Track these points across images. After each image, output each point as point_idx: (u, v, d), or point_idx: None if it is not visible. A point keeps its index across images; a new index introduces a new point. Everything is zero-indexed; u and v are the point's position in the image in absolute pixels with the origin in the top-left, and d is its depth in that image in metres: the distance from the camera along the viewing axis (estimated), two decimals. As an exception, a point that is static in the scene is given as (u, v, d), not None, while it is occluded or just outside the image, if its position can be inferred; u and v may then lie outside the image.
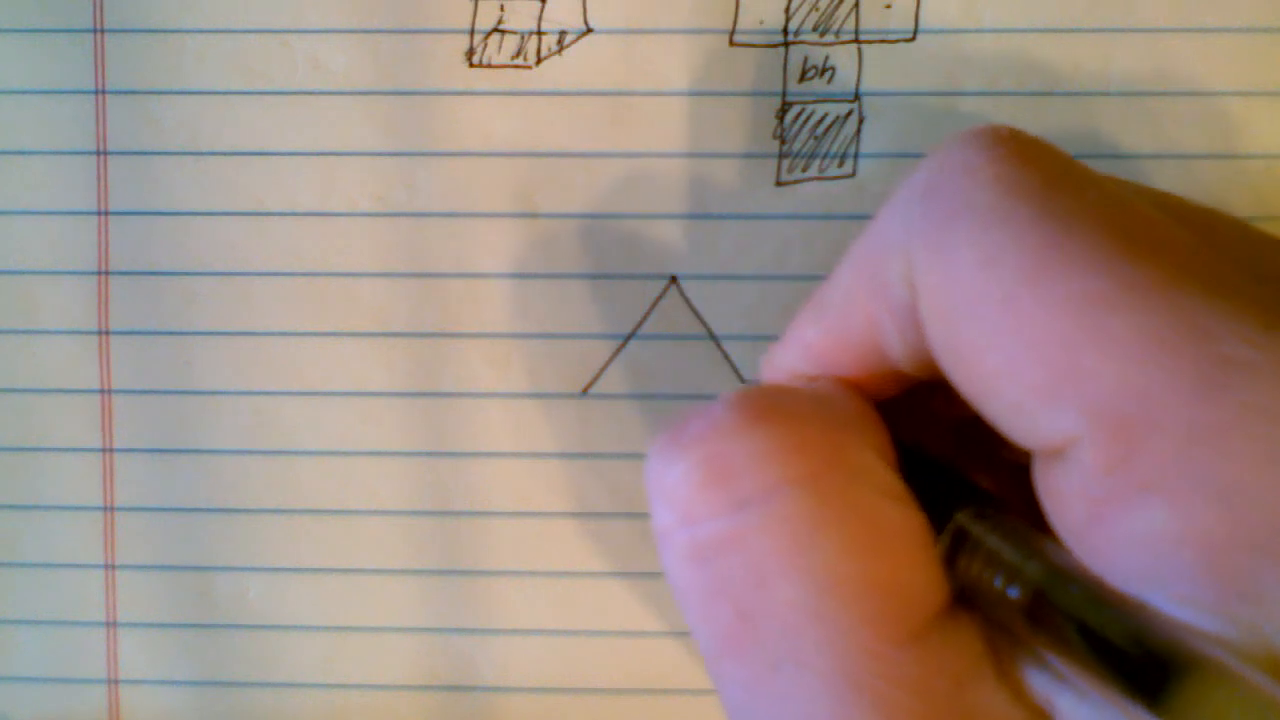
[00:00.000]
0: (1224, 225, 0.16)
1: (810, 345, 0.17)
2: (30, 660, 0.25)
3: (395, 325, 0.25)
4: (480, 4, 0.24)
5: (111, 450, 0.25)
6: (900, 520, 0.15)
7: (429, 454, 0.25)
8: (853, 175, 0.24)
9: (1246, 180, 0.24)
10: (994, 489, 0.17)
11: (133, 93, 0.24)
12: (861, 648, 0.14)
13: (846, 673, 0.14)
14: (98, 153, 0.25)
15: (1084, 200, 0.14)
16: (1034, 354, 0.13)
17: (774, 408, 0.15)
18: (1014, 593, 0.14)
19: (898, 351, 0.16)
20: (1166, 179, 0.24)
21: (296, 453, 0.25)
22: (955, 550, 0.15)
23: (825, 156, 0.24)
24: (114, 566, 0.25)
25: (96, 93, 0.24)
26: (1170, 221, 0.14)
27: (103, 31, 0.24)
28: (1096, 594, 0.13)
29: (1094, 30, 0.23)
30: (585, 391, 0.25)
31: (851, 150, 0.24)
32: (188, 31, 0.24)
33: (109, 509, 0.25)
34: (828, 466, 0.15)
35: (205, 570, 0.25)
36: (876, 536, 0.15)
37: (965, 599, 0.15)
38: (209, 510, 0.25)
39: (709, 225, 0.24)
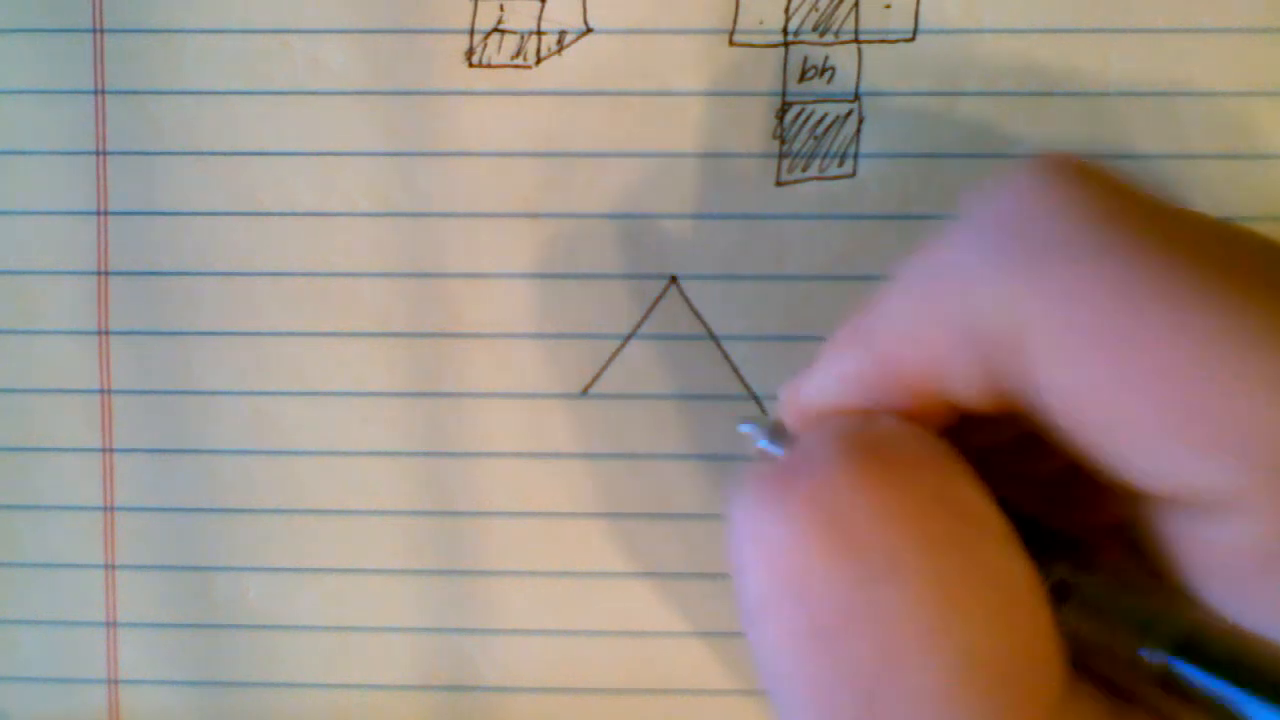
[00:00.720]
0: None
1: (856, 376, 0.16)
2: (30, 660, 0.25)
3: (396, 325, 0.25)
4: (480, 4, 0.24)
5: (111, 450, 0.25)
6: (1023, 577, 0.14)
7: (429, 454, 0.25)
8: (853, 175, 0.24)
9: (1247, 180, 0.24)
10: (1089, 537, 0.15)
11: (132, 93, 0.24)
12: None
13: None
14: (97, 153, 0.25)
15: (1196, 236, 0.14)
16: (1177, 397, 0.13)
17: (885, 455, 0.14)
18: (1146, 653, 0.13)
19: (964, 385, 0.15)
20: (1166, 179, 0.24)
21: (297, 453, 0.25)
22: (1056, 606, 0.14)
23: (825, 156, 0.24)
24: (114, 566, 0.25)
25: (96, 93, 0.24)
26: (1260, 250, 0.14)
27: (102, 31, 0.24)
28: (1245, 648, 0.12)
29: (1094, 30, 0.23)
30: (585, 391, 0.25)
31: (851, 150, 0.24)
32: (188, 31, 0.24)
33: (109, 509, 0.25)
34: (954, 522, 0.14)
35: (205, 570, 0.25)
36: (1010, 602, 0.14)
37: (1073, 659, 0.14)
38: (209, 510, 0.25)
39: (709, 225, 0.24)
